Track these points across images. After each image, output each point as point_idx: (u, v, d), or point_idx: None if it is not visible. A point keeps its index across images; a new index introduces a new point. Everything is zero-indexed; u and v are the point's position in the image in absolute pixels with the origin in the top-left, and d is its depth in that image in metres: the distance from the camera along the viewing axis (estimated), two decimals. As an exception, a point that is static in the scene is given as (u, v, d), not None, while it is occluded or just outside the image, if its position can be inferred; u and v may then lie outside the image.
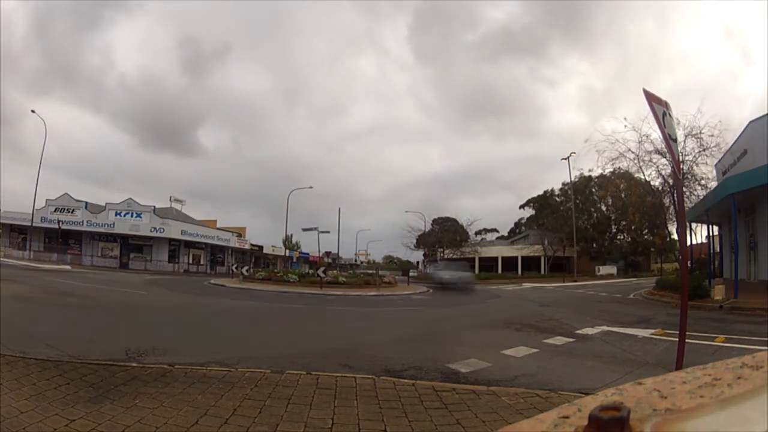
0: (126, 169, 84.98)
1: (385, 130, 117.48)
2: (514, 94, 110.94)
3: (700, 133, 18.97)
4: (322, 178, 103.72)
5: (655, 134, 17.25)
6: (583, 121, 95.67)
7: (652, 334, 8.18)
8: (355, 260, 62.34)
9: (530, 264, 45.03)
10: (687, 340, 4.42)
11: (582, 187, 44.25)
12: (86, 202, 37.47)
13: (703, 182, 20.46)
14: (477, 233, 57.26)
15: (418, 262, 53.10)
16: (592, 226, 48.20)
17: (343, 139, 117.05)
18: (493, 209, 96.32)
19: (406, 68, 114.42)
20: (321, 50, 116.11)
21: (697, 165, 19.99)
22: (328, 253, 37.93)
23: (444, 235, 48.90)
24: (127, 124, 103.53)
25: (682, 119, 17.63)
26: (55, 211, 35.94)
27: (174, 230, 37.37)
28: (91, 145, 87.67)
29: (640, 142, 19.74)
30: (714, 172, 20.86)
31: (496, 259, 48.72)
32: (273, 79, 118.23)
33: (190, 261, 40.14)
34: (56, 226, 33.39)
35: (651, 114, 4.37)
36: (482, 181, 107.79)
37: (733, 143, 18.78)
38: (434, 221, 51.98)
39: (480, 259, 48.71)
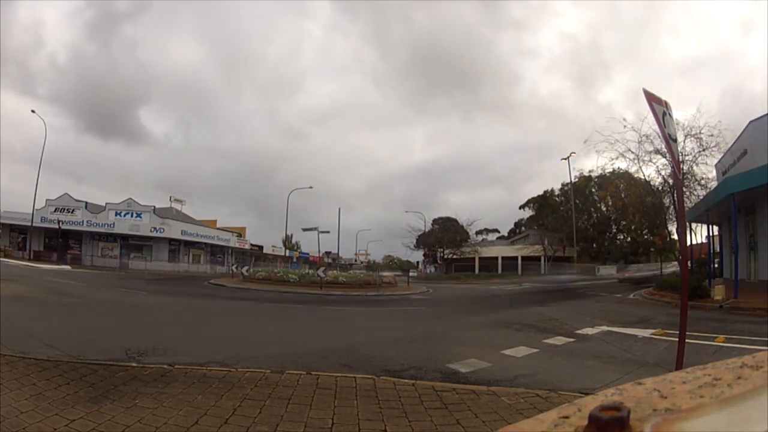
0: (75, 159, 78.59)
1: (345, 112, 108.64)
2: (475, 53, 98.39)
3: (700, 133, 18.99)
4: (295, 171, 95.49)
5: (656, 134, 17.26)
6: (570, 91, 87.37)
7: (652, 334, 8.18)
8: (355, 260, 62.35)
9: (530, 264, 45.00)
10: (687, 340, 4.42)
11: (582, 187, 44.22)
12: (86, 202, 37.46)
13: (703, 182, 20.47)
14: (477, 233, 57.30)
15: (418, 262, 53.10)
16: (592, 226, 48.15)
17: (305, 123, 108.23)
18: (486, 205, 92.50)
19: (347, 33, 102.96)
20: (250, 14, 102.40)
21: (697, 165, 20.00)
22: (328, 253, 37.96)
23: (444, 235, 48.86)
24: (65, 108, 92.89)
25: (682, 119, 17.66)
26: (55, 211, 35.92)
27: (174, 230, 37.36)
28: (38, 134, 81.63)
29: (640, 142, 19.76)
30: (714, 172, 20.86)
31: (496, 259, 48.66)
32: (208, 50, 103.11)
33: (190, 261, 40.14)
34: (56, 226, 33.38)
35: (651, 114, 4.37)
36: (469, 173, 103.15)
37: (733, 143, 18.78)
38: (434, 221, 51.99)
39: (480, 259, 48.68)
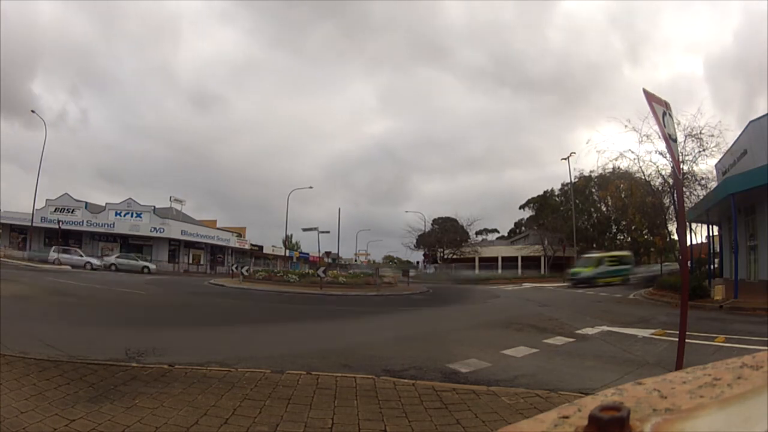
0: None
1: (261, 70, 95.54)
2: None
3: (700, 133, 19.00)
4: (232, 156, 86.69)
5: (655, 134, 17.26)
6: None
7: (652, 334, 8.18)
8: (355, 260, 62.32)
9: (530, 264, 44.99)
10: (687, 340, 4.42)
11: (582, 187, 44.22)
12: (86, 202, 37.48)
13: (703, 182, 20.48)
14: (477, 233, 57.36)
15: (418, 262, 53.14)
16: (592, 226, 48.17)
17: (208, 85, 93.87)
18: (469, 193, 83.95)
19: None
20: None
21: (697, 165, 20.02)
22: (328, 253, 37.92)
23: (444, 235, 48.90)
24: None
25: (682, 119, 17.66)
26: (55, 211, 35.93)
27: (174, 230, 37.37)
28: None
29: (640, 142, 19.77)
30: (714, 172, 20.86)
31: (496, 259, 48.67)
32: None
33: (190, 261, 40.15)
34: (56, 226, 33.38)
35: (651, 114, 4.37)
36: (439, 154, 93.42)
37: (733, 143, 18.79)
38: (434, 221, 52.09)
39: (480, 259, 48.70)
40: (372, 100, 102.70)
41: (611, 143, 26.47)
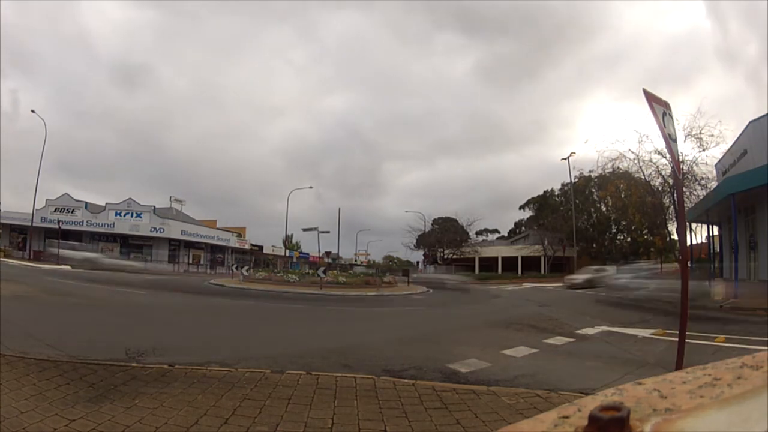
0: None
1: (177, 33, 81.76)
2: None
3: (700, 133, 19.01)
4: (183, 140, 79.23)
5: (655, 134, 17.26)
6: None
7: (652, 334, 8.17)
8: (355, 260, 62.35)
9: (530, 264, 45.04)
10: (687, 340, 4.42)
11: (582, 187, 44.24)
12: (86, 203, 37.50)
13: (703, 182, 20.48)
14: (477, 233, 57.39)
15: (418, 262, 53.17)
16: (592, 227, 48.19)
17: (134, 58, 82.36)
18: (455, 185, 78.77)
19: None
20: None
21: (697, 165, 20.02)
22: (328, 253, 37.92)
23: (444, 235, 48.91)
24: None
25: (682, 119, 17.66)
26: (55, 211, 35.95)
27: (174, 230, 37.39)
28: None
29: (640, 142, 19.78)
30: (714, 172, 20.86)
31: (496, 259, 48.72)
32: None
33: (190, 261, 40.16)
34: (56, 226, 33.39)
35: (651, 114, 4.37)
36: (412, 137, 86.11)
37: (733, 143, 18.80)
38: (434, 221, 52.11)
39: (480, 259, 48.73)
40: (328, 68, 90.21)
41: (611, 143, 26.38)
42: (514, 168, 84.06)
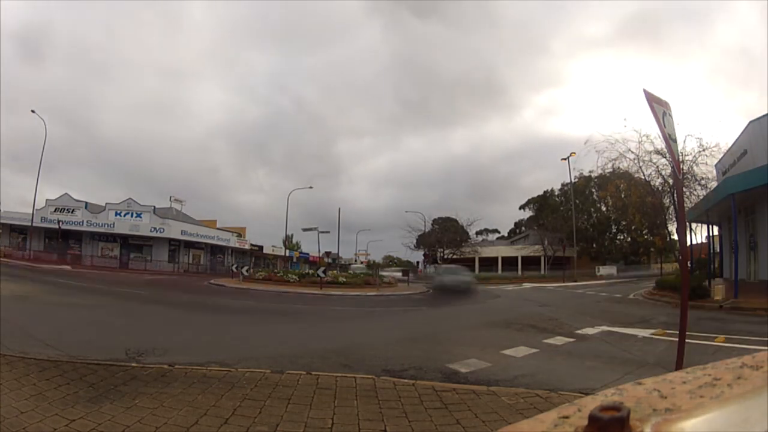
0: None
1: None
2: None
3: (701, 133, 18.98)
4: (121, 121, 68.22)
5: (655, 134, 17.25)
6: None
7: (652, 334, 8.17)
8: (355, 260, 62.38)
9: (530, 264, 45.04)
10: (687, 340, 4.42)
11: (582, 187, 44.26)
12: (86, 202, 37.47)
13: (703, 182, 20.46)
14: (477, 233, 57.41)
15: (418, 262, 53.17)
16: (592, 227, 48.23)
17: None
18: (427, 166, 71.45)
19: None
20: None
21: (697, 165, 20.00)
22: (328, 253, 37.93)
23: (444, 235, 48.90)
24: None
25: (682, 120, 17.65)
26: (55, 211, 35.92)
27: (174, 230, 37.36)
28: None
29: (640, 142, 19.76)
30: (714, 172, 20.85)
31: (496, 259, 48.72)
32: None
33: (190, 261, 40.13)
34: (56, 226, 33.38)
35: (651, 114, 4.37)
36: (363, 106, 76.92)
37: (733, 143, 18.78)
38: (434, 221, 52.11)
39: (480, 259, 48.70)
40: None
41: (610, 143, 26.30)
42: (493, 144, 76.69)
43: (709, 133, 25.03)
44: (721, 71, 72.60)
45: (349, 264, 54.53)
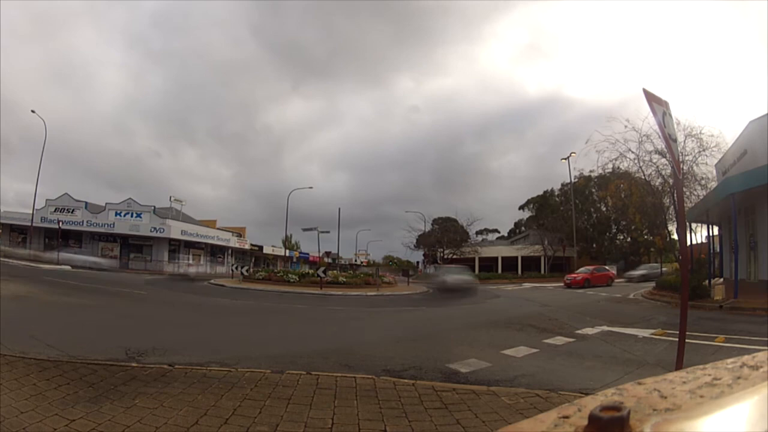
0: None
1: None
2: None
3: (700, 133, 19.00)
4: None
5: (656, 133, 17.25)
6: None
7: (652, 334, 8.17)
8: (355, 260, 62.36)
9: (530, 264, 45.04)
10: (687, 340, 4.42)
11: (582, 187, 44.25)
12: (86, 202, 37.48)
13: (703, 182, 20.46)
14: (477, 233, 57.41)
15: (418, 262, 53.19)
16: (592, 227, 48.22)
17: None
18: (386, 145, 69.37)
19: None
20: None
21: (697, 165, 20.00)
22: (328, 253, 37.94)
23: (444, 235, 48.91)
24: None
25: (682, 120, 17.65)
26: (55, 211, 35.94)
27: (174, 230, 37.36)
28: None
29: (640, 142, 19.76)
30: (714, 172, 20.85)
31: (496, 259, 48.71)
32: None
33: (190, 261, 40.12)
34: (56, 226, 33.38)
35: (651, 114, 4.37)
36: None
37: (733, 143, 18.78)
38: (434, 221, 52.14)
39: (480, 259, 48.70)
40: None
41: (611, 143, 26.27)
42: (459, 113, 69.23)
43: (709, 133, 24.97)
44: (722, 71, 72.99)
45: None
